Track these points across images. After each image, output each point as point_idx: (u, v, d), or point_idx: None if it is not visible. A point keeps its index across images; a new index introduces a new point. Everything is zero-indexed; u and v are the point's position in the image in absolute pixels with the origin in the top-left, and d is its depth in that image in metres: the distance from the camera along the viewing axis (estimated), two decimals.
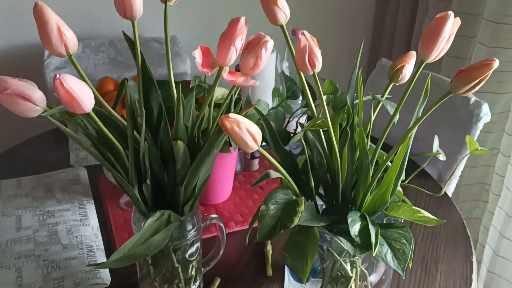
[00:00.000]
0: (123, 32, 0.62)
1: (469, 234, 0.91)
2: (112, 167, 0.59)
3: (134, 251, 0.58)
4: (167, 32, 0.66)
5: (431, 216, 0.62)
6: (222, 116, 0.52)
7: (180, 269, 0.68)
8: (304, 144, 0.63)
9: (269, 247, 0.84)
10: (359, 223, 0.61)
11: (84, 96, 0.47)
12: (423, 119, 0.57)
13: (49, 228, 0.87)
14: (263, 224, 0.59)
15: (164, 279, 0.68)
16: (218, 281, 0.77)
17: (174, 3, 0.69)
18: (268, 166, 1.10)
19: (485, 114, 1.05)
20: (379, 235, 0.60)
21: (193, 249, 0.68)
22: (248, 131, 0.53)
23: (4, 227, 0.87)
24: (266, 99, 1.01)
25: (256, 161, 1.08)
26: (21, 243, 0.83)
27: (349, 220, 0.60)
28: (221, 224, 0.74)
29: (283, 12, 0.62)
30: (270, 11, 0.61)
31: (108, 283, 0.76)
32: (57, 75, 0.45)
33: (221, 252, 0.77)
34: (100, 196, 0.99)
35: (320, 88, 0.62)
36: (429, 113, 0.56)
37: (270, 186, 1.03)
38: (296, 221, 0.59)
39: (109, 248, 0.84)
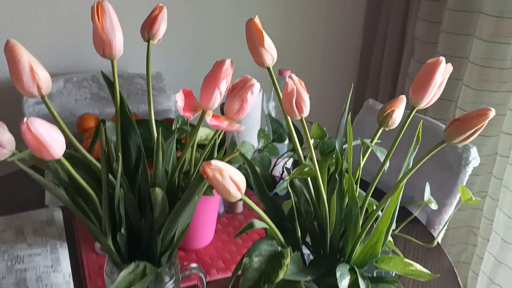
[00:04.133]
0: (102, 72, 0.59)
1: (460, 284, 0.87)
2: (85, 214, 0.55)
3: None
4: (149, 72, 0.64)
5: (424, 270, 0.59)
6: (203, 163, 0.49)
7: None
8: (290, 191, 0.60)
9: None
10: (348, 277, 0.57)
11: (53, 141, 0.43)
12: (415, 169, 0.54)
13: (17, 275, 0.81)
14: (246, 278, 0.55)
15: None
16: None
17: (157, 42, 0.67)
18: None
19: (474, 158, 1.03)
20: None
21: None
22: (232, 179, 0.50)
23: None
24: (252, 140, 0.98)
25: (240, 203, 1.04)
26: None
27: (337, 274, 0.57)
28: (202, 275, 0.69)
29: (270, 54, 0.60)
30: (256, 53, 0.59)
31: None
32: (25, 119, 0.42)
33: None
34: (74, 239, 0.94)
35: (308, 133, 0.59)
36: (421, 163, 0.54)
37: (254, 230, 0.99)
38: (281, 275, 0.55)
39: None
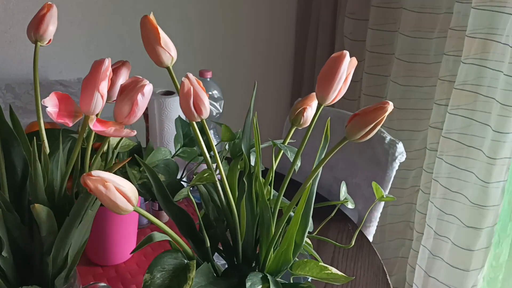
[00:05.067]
0: None
1: (389, 282, 0.86)
2: None
3: None
4: (36, 75, 0.58)
5: (340, 273, 0.56)
6: (83, 174, 0.44)
7: None
8: (192, 198, 0.56)
9: None
10: (260, 286, 0.54)
11: None
12: (319, 169, 0.51)
13: None
14: None
15: None
16: None
17: (47, 44, 0.61)
18: None
19: (400, 153, 1.03)
20: None
21: None
22: (118, 190, 0.45)
23: None
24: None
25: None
26: None
27: (248, 284, 0.53)
28: None
29: (168, 53, 0.55)
30: (153, 52, 0.54)
31: None
32: None
33: None
34: None
35: (210, 136, 0.55)
36: (325, 161, 0.51)
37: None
38: None
39: None
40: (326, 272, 0.57)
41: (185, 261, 0.54)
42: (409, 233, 1.49)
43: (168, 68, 0.56)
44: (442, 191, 1.25)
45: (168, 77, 0.55)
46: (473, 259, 1.23)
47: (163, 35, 0.55)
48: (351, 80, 0.55)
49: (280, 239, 0.57)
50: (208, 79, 1.00)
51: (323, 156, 0.59)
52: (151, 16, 0.55)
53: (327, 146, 0.59)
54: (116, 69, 0.58)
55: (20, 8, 1.39)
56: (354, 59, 0.56)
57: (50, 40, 0.61)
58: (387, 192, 1.07)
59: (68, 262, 0.54)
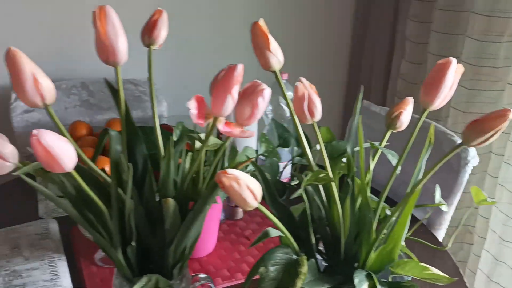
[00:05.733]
0: (105, 80, 0.57)
1: (466, 284, 0.87)
2: (93, 228, 0.53)
3: None
4: (152, 78, 0.62)
5: (442, 274, 0.58)
6: (219, 172, 0.47)
7: None
8: (305, 197, 0.59)
9: None
10: (367, 283, 0.56)
11: (64, 154, 0.41)
12: (432, 172, 0.53)
13: None
14: None
15: None
16: None
17: (158, 47, 0.65)
18: (253, 214, 1.05)
19: (473, 157, 1.03)
20: None
21: None
22: (248, 188, 0.48)
23: None
24: (249, 145, 0.96)
25: (241, 209, 1.03)
26: None
27: (355, 281, 0.56)
28: (211, 285, 0.67)
29: (277, 58, 0.58)
30: (263, 56, 0.57)
31: None
32: (34, 132, 0.39)
33: None
34: (72, 251, 0.91)
35: (320, 137, 0.58)
36: (438, 166, 0.53)
37: (255, 234, 0.97)
38: (299, 284, 0.54)
39: None
40: (427, 272, 0.59)
41: (294, 256, 0.57)
42: (467, 237, 1.49)
43: (275, 72, 0.59)
44: (508, 196, 1.24)
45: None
46: None
47: (272, 41, 0.58)
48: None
49: (382, 239, 0.59)
50: (285, 81, 1.03)
51: (424, 160, 0.61)
52: (261, 22, 0.58)
53: (429, 151, 0.61)
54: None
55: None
56: (460, 66, 0.58)
57: (161, 44, 0.65)
58: (458, 197, 1.07)
59: (186, 253, 0.57)
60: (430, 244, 0.65)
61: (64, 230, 0.96)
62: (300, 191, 0.56)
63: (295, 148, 0.76)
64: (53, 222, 0.99)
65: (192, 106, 0.47)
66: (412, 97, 0.66)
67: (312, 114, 0.55)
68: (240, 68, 0.49)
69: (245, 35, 1.81)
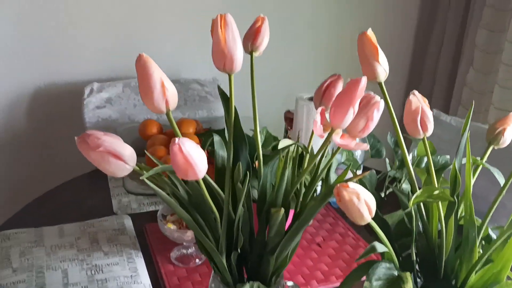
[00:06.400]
0: (218, 86, 0.58)
1: None
2: (203, 232, 0.53)
3: None
4: (254, 85, 0.62)
5: None
6: (339, 185, 0.47)
7: None
8: (413, 213, 0.58)
9: None
10: None
11: (200, 162, 0.42)
12: None
13: (98, 285, 0.80)
14: None
15: None
16: None
17: (259, 54, 0.65)
18: (322, 220, 1.04)
19: None
20: None
21: None
22: (366, 203, 0.48)
23: (51, 283, 0.80)
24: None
25: None
26: None
27: None
28: None
29: (383, 69, 0.58)
30: (369, 66, 0.57)
31: None
32: (176, 140, 0.40)
33: None
34: (146, 248, 0.92)
35: (428, 151, 0.57)
36: None
37: (327, 243, 0.97)
38: None
39: None
40: None
41: (396, 272, 0.56)
42: None
43: (380, 83, 0.59)
44: None
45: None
46: None
47: (380, 52, 0.57)
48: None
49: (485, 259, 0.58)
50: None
51: None
52: (369, 32, 0.57)
53: None
54: (333, 82, 0.61)
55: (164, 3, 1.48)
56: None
57: (261, 52, 0.66)
58: None
59: (286, 262, 0.57)
60: None
61: (138, 227, 0.98)
62: (409, 208, 0.55)
63: (387, 159, 0.75)
64: (128, 218, 1.01)
65: (319, 119, 0.47)
66: None
67: (425, 128, 0.54)
68: (364, 81, 0.48)
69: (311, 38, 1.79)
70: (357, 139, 0.54)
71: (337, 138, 0.50)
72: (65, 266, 0.85)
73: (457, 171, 0.58)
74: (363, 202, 0.47)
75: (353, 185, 0.47)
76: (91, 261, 0.86)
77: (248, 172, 0.57)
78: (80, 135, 0.48)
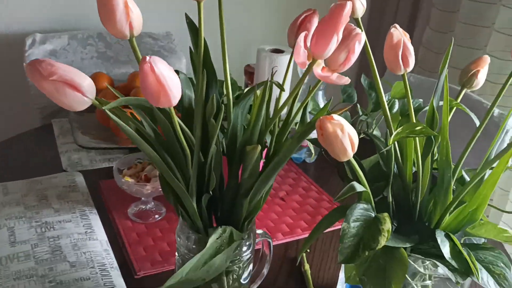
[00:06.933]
0: (186, 15, 0.52)
1: None
2: (172, 172, 0.49)
3: (191, 276, 0.48)
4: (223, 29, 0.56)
5: None
6: (322, 117, 0.44)
7: None
8: (381, 153, 0.56)
9: (306, 266, 0.76)
10: (448, 243, 0.54)
11: (174, 85, 0.37)
12: None
13: (50, 243, 0.74)
14: (345, 244, 0.51)
15: None
16: None
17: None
18: (284, 175, 1.02)
19: (511, 127, 1.01)
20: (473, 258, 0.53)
21: (246, 273, 0.58)
22: (349, 137, 0.45)
23: None
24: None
25: None
26: (18, 261, 0.70)
27: (439, 240, 0.53)
28: (270, 241, 0.65)
29: (361, 2, 0.55)
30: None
31: None
32: (147, 58, 0.35)
33: (265, 273, 0.67)
34: (102, 206, 0.87)
35: (408, 89, 0.54)
36: None
37: (291, 197, 0.95)
38: (383, 242, 0.51)
39: (125, 267, 0.73)
40: (504, 235, 0.57)
41: (373, 214, 0.54)
42: None
43: (357, 19, 0.56)
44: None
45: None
46: None
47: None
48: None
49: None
50: None
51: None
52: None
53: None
54: (308, 17, 0.57)
55: None
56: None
57: None
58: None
59: (259, 205, 0.54)
60: (499, 208, 0.63)
61: (90, 184, 0.92)
62: (389, 146, 0.52)
63: (358, 105, 0.73)
64: (79, 175, 0.94)
65: (302, 43, 0.43)
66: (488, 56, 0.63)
67: (406, 63, 0.52)
68: (349, 6, 0.44)
69: None
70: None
71: (318, 69, 0.46)
72: (11, 224, 0.78)
73: (435, 110, 0.56)
74: (346, 136, 0.44)
75: (337, 117, 0.43)
76: (40, 219, 0.80)
77: (219, 108, 0.52)
78: (30, 61, 0.42)
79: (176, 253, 0.59)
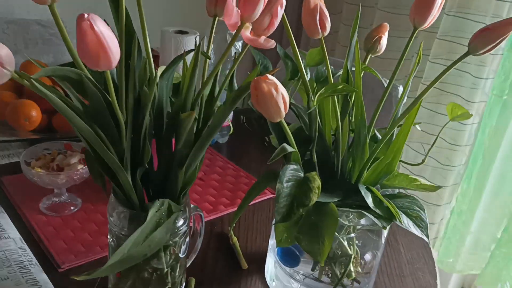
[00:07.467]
0: None
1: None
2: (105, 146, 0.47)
3: (133, 252, 0.47)
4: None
5: (428, 183, 0.63)
6: (257, 78, 0.45)
7: (169, 272, 0.57)
8: (302, 119, 0.58)
9: (234, 239, 0.77)
10: (370, 195, 0.59)
11: (114, 45, 0.35)
12: (438, 81, 0.56)
13: None
14: (280, 204, 0.53)
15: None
16: (193, 281, 0.68)
17: None
18: None
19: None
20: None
21: (183, 247, 0.58)
22: (282, 96, 0.47)
23: None
24: None
25: None
26: None
27: (362, 192, 0.58)
28: (201, 214, 0.65)
29: None
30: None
31: None
32: (85, 15, 0.33)
33: (199, 247, 0.67)
34: (8, 204, 0.80)
35: (325, 53, 0.58)
36: (444, 75, 0.56)
37: (209, 176, 0.95)
38: (314, 198, 0.54)
39: (45, 261, 0.68)
40: (415, 183, 0.63)
41: (302, 174, 0.57)
42: None
43: None
44: (419, 134, 1.37)
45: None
46: (445, 195, 1.37)
47: None
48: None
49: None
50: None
51: (411, 79, 0.64)
52: None
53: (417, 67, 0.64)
54: None
55: None
56: None
57: None
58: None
59: (192, 177, 0.54)
60: (407, 162, 0.70)
61: None
62: (313, 108, 0.55)
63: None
64: None
65: (233, 1, 0.44)
66: (387, 23, 0.68)
67: (323, 27, 0.55)
68: None
69: None
70: None
71: (247, 32, 0.47)
72: None
73: (349, 71, 0.60)
74: (280, 95, 0.46)
75: (271, 77, 0.45)
76: None
77: (151, 75, 0.51)
78: None
79: (109, 235, 0.56)
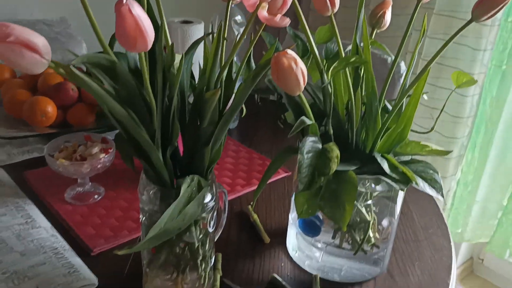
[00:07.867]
0: None
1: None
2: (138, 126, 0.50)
3: (169, 225, 0.51)
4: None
5: (440, 148, 0.66)
6: (278, 53, 0.48)
7: (200, 246, 0.60)
8: (311, 92, 0.61)
9: (255, 216, 0.80)
10: (385, 161, 0.62)
11: (150, 28, 0.38)
12: (444, 49, 0.59)
13: None
14: (302, 174, 0.56)
15: (178, 262, 0.60)
16: (220, 256, 0.71)
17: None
18: None
19: (405, 71, 1.14)
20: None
21: (212, 222, 0.61)
22: (301, 70, 0.50)
23: None
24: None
25: None
26: None
27: (378, 159, 0.61)
28: (225, 191, 0.68)
29: None
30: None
31: (96, 283, 0.65)
32: (124, 0, 0.36)
33: (224, 223, 0.70)
34: (34, 196, 0.83)
35: (336, 28, 0.60)
36: (449, 44, 0.59)
37: (223, 160, 0.98)
38: (334, 167, 0.57)
39: (77, 247, 0.71)
40: (427, 149, 0.66)
41: (320, 145, 0.60)
42: None
43: None
44: (421, 109, 1.40)
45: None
46: (450, 166, 1.41)
47: None
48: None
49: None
50: (233, 6, 1.03)
51: (419, 47, 0.67)
52: None
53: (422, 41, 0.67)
54: None
55: None
56: None
57: None
58: None
59: (220, 151, 0.57)
60: (417, 131, 0.73)
61: (14, 177, 0.87)
62: (327, 82, 0.58)
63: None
64: (1, 171, 0.89)
65: None
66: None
67: (333, 4, 0.57)
68: None
69: None
70: None
71: (264, 12, 0.50)
72: None
73: (358, 45, 0.63)
74: (299, 69, 0.49)
75: (290, 52, 0.48)
76: None
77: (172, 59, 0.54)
78: None
79: (140, 215, 0.60)
